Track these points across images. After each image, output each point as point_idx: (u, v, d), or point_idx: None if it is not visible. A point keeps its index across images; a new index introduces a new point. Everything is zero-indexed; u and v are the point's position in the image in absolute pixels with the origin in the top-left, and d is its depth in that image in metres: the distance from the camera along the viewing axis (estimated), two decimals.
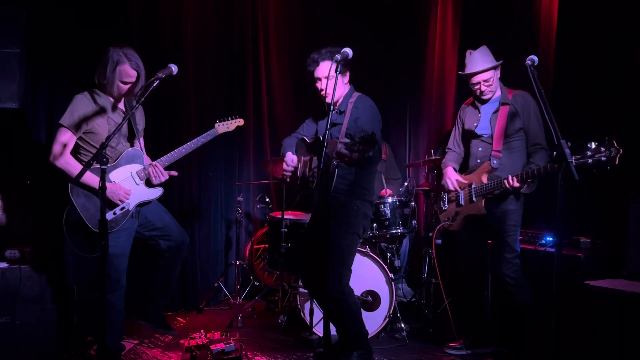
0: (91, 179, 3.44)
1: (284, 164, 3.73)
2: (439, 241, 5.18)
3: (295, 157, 3.74)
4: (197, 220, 5.51)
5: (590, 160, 3.09)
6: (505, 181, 3.61)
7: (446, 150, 4.27)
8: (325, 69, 3.58)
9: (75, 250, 3.45)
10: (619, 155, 3.02)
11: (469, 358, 4.02)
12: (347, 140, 3.11)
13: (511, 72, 3.96)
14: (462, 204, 3.95)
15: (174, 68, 3.43)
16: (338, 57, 3.06)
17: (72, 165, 3.44)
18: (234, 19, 5.75)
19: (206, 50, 5.55)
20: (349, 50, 3.11)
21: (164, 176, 3.70)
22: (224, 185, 5.74)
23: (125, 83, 3.53)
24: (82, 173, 3.01)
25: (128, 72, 3.50)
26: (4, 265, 3.68)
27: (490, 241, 3.96)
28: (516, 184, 3.57)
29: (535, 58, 3.07)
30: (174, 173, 3.77)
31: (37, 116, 4.47)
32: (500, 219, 3.79)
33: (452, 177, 4.02)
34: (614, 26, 4.07)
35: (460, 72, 3.95)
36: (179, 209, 5.32)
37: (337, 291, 3.54)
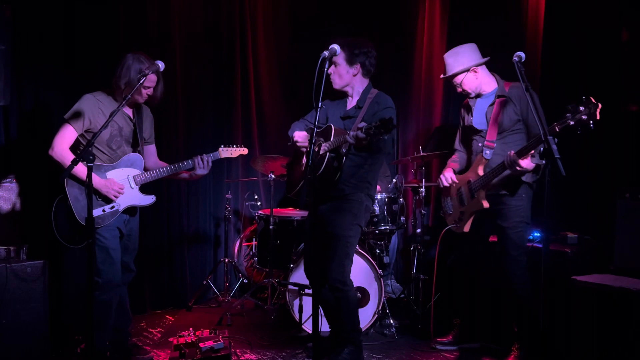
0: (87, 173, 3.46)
1: (297, 141, 3.62)
2: (427, 237, 5.21)
3: (305, 133, 3.65)
4: (185, 218, 5.49)
5: (572, 122, 3.06)
6: (507, 157, 3.48)
7: (454, 149, 4.24)
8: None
9: (58, 239, 3.47)
10: (598, 110, 2.99)
11: (457, 353, 4.04)
12: (364, 124, 3.12)
13: (500, 69, 3.96)
14: (466, 203, 3.90)
15: (160, 65, 3.46)
16: (326, 53, 3.05)
17: (68, 160, 3.45)
18: (222, 16, 5.74)
19: (193, 47, 5.54)
20: (336, 47, 3.11)
21: (209, 167, 3.85)
22: (213, 182, 5.72)
23: (146, 88, 3.61)
24: (69, 170, 3.04)
25: (150, 77, 3.56)
26: None
27: (494, 238, 3.94)
28: (513, 156, 3.43)
29: (522, 54, 3.08)
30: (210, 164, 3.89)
31: (23, 113, 4.43)
32: (506, 216, 3.73)
33: (446, 175, 4.01)
34: (602, 21, 4.10)
35: (441, 76, 4.00)
36: (167, 206, 5.30)
37: (339, 281, 3.53)
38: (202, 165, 3.80)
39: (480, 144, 3.87)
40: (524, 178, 3.64)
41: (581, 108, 3.03)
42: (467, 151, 4.12)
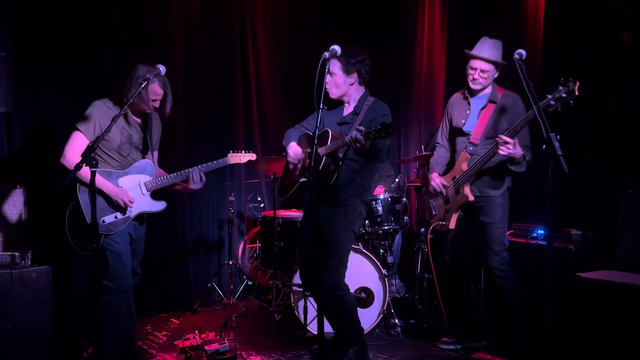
0: (99, 180, 3.47)
1: (289, 156, 3.69)
2: (431, 236, 5.19)
3: (299, 150, 3.69)
4: (189, 221, 5.49)
5: (552, 102, 3.23)
6: (499, 139, 3.50)
7: (435, 144, 4.27)
8: (332, 65, 3.57)
9: (72, 246, 3.50)
10: (577, 87, 3.15)
11: (462, 352, 4.03)
12: (363, 128, 3.14)
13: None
14: (450, 200, 3.95)
15: (162, 69, 3.45)
16: (326, 54, 3.06)
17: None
18: (221, 16, 5.74)
19: (193, 47, 5.53)
20: (337, 48, 3.11)
21: (202, 182, 3.84)
22: (216, 185, 5.72)
23: (153, 100, 3.63)
24: (72, 175, 3.03)
25: (156, 90, 3.59)
26: None
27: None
28: (509, 140, 3.46)
29: (523, 52, 3.08)
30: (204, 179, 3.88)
31: (24, 118, 4.43)
32: (488, 213, 3.82)
33: (436, 181, 4.01)
34: (602, 20, 4.09)
35: (466, 50, 3.87)
36: (171, 210, 5.28)
37: (334, 286, 3.54)
38: (196, 180, 3.81)
39: (465, 146, 3.92)
40: (513, 168, 3.64)
41: (560, 87, 3.22)
42: (450, 148, 4.14)
